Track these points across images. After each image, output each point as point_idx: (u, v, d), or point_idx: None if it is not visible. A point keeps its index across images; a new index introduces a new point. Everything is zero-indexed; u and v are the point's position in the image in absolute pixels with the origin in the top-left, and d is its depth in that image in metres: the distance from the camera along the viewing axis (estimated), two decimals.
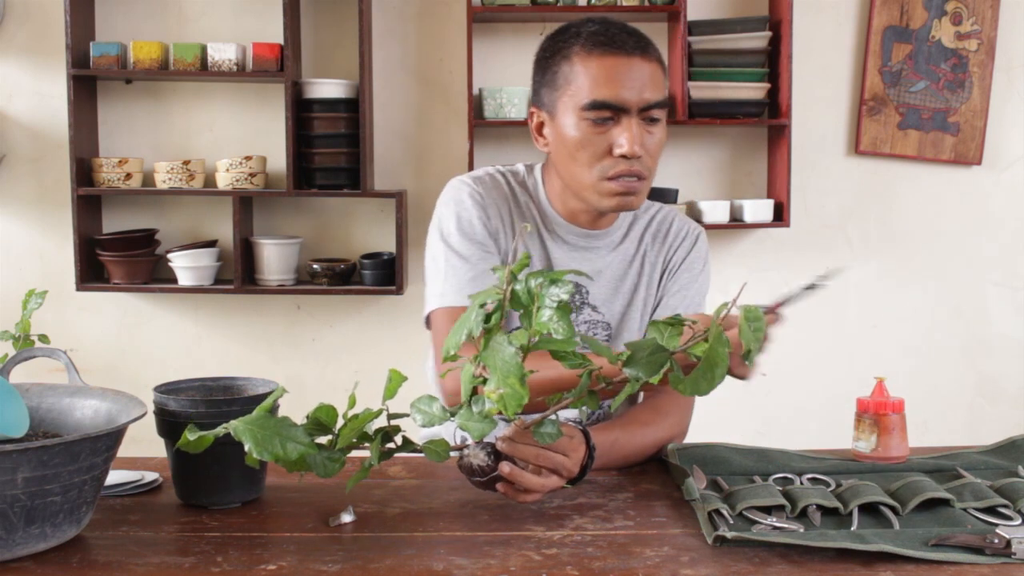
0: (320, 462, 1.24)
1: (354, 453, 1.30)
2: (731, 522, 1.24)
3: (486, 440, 1.33)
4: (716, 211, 3.15)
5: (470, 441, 1.34)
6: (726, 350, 1.19)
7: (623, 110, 1.61)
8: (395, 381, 1.28)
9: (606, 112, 1.61)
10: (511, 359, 1.19)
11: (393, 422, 1.31)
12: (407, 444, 1.31)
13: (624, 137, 1.60)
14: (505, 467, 1.32)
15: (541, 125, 1.71)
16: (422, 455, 1.29)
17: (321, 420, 1.26)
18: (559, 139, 1.66)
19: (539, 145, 1.72)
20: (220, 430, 1.20)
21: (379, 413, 1.27)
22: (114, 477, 1.43)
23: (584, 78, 1.63)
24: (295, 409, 1.16)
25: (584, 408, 1.28)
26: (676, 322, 1.24)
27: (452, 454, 1.32)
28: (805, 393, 3.40)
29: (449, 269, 1.69)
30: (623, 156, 1.61)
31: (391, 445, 1.31)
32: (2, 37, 3.21)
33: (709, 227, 3.17)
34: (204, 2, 3.23)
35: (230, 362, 3.25)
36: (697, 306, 1.77)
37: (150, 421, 1.33)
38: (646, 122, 1.63)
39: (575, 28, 1.67)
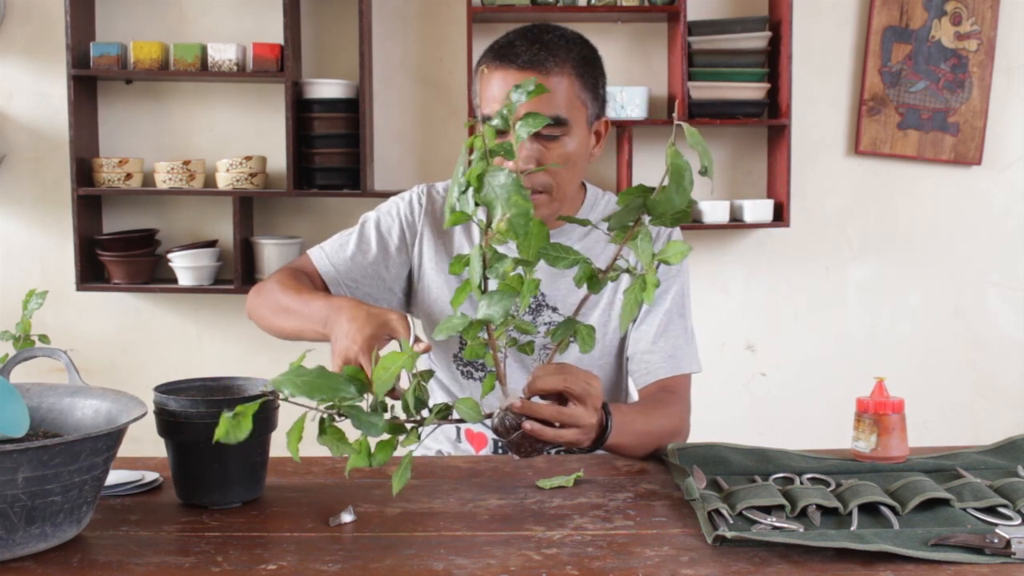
0: (364, 419, 1.21)
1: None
2: (731, 522, 1.24)
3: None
4: (716, 211, 3.15)
5: (498, 407, 1.39)
6: (685, 160, 1.23)
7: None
8: (452, 322, 1.30)
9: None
10: (507, 179, 1.17)
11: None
12: (441, 412, 1.32)
13: None
14: (527, 425, 1.37)
15: None
16: (430, 455, 1.28)
17: (353, 375, 1.23)
18: None
19: None
20: (262, 400, 1.16)
21: (405, 356, 1.25)
22: (114, 477, 1.43)
23: (482, 91, 1.68)
24: (294, 411, 1.16)
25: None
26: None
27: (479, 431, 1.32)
28: (805, 393, 3.41)
29: (347, 238, 1.83)
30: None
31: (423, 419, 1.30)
32: (2, 37, 3.21)
33: (709, 227, 3.17)
34: (204, 2, 3.23)
35: (230, 362, 3.25)
36: (679, 315, 1.75)
37: (150, 421, 1.33)
38: (541, 138, 1.64)
39: (499, 37, 1.70)
